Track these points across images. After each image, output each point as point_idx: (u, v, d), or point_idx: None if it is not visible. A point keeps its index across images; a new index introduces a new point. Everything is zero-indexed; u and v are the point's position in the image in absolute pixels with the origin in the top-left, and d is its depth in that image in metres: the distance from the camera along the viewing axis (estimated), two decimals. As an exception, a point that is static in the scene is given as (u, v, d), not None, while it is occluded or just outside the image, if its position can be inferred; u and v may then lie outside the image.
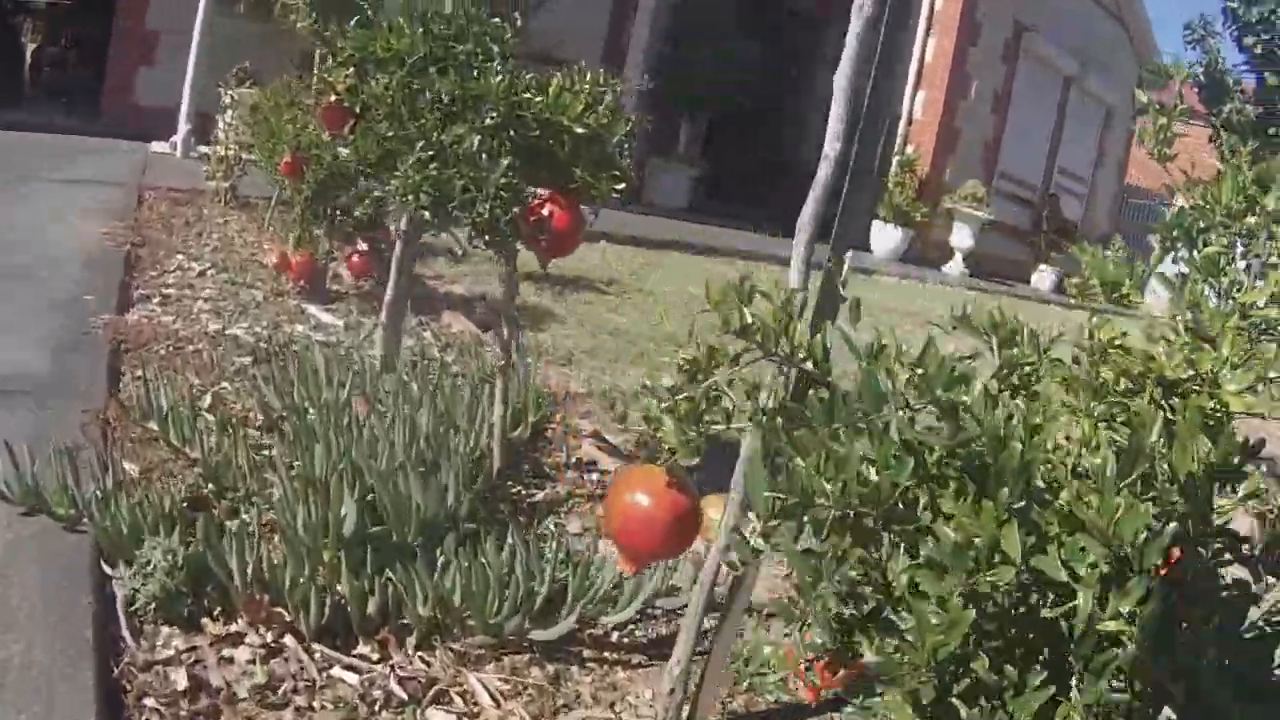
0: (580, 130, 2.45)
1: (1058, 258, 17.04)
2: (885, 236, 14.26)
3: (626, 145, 2.56)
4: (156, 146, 9.43)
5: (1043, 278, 17.13)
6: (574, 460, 3.20)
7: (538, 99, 2.45)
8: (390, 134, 2.58)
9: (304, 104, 4.98)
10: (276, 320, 4.27)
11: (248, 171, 6.70)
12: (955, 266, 15.08)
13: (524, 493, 2.92)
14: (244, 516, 2.28)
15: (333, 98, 3.14)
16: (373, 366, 3.35)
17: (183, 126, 9.35)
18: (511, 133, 2.46)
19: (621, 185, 2.58)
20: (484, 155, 2.40)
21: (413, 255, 3.53)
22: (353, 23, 2.96)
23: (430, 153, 2.45)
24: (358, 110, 2.91)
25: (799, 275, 1.67)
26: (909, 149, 15.11)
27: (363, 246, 4.62)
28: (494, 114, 2.42)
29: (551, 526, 2.67)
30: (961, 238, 15.12)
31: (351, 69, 2.86)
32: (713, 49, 14.03)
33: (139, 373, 3.21)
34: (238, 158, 6.82)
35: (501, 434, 2.80)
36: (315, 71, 5.24)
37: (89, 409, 2.90)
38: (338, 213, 4.57)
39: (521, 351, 3.44)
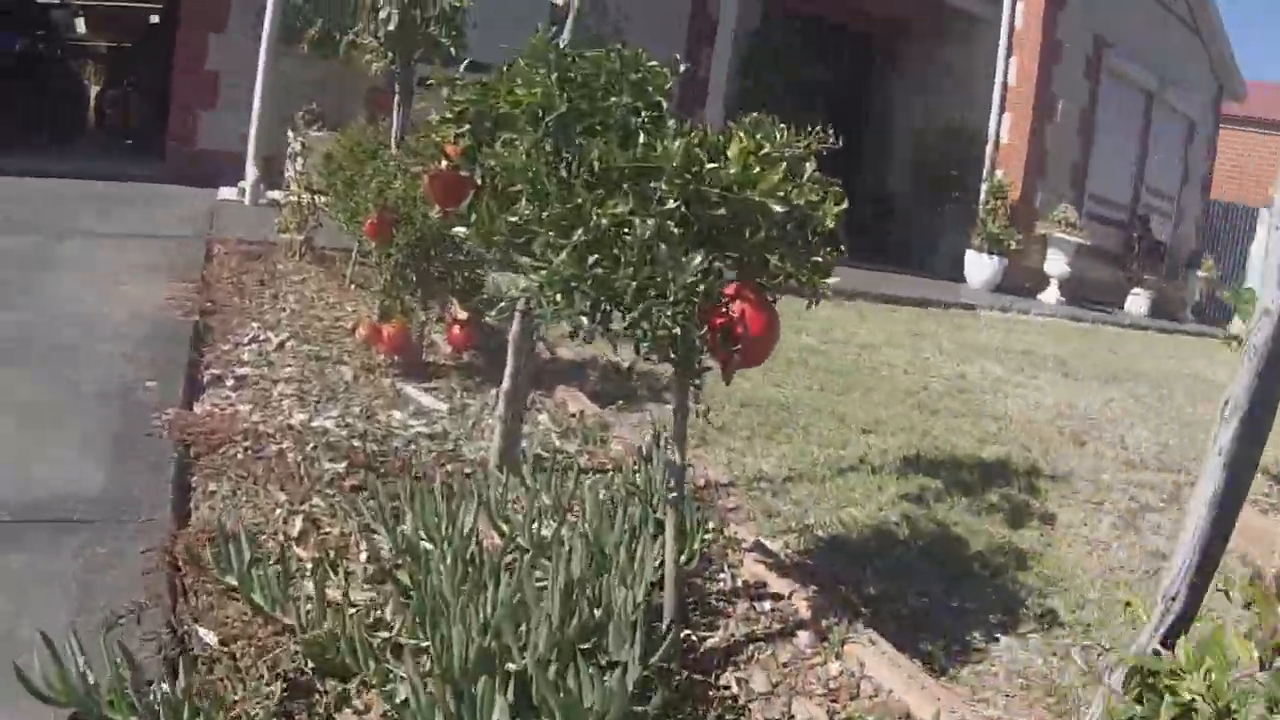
0: (779, 209, 1.93)
1: (1150, 280, 16.36)
2: (980, 266, 13.63)
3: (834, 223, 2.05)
4: (224, 193, 9.04)
5: (1137, 301, 16.41)
6: (740, 583, 2.69)
7: (722, 170, 1.93)
8: (529, 215, 2.06)
9: (386, 153, 4.52)
10: (370, 406, 3.75)
11: (322, 222, 6.26)
12: (1051, 294, 14.45)
13: (695, 638, 2.40)
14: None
15: (443, 164, 2.57)
16: (493, 473, 2.83)
17: (250, 171, 8.98)
18: (689, 211, 1.94)
19: (833, 279, 2.08)
20: (661, 245, 1.87)
21: (531, 334, 3.02)
22: (463, 66, 2.45)
23: (587, 238, 1.93)
24: (479, 181, 2.37)
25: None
26: (998, 174, 14.51)
27: (463, 314, 4.11)
28: (670, 190, 1.90)
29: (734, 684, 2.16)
30: (1057, 264, 14.49)
31: (466, 126, 2.34)
32: (787, 78, 13.51)
33: (212, 486, 2.73)
34: (311, 207, 6.37)
35: (675, 585, 2.27)
36: (396, 119, 4.79)
37: (151, 548, 2.40)
38: (434, 275, 4.06)
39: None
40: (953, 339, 8.43)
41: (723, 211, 1.95)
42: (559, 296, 1.95)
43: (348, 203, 4.31)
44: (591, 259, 1.93)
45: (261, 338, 4.49)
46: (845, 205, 2.06)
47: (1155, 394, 7.66)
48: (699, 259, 1.87)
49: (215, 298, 5.16)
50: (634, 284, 1.89)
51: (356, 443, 3.28)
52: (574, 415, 3.98)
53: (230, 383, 3.81)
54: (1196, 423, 6.59)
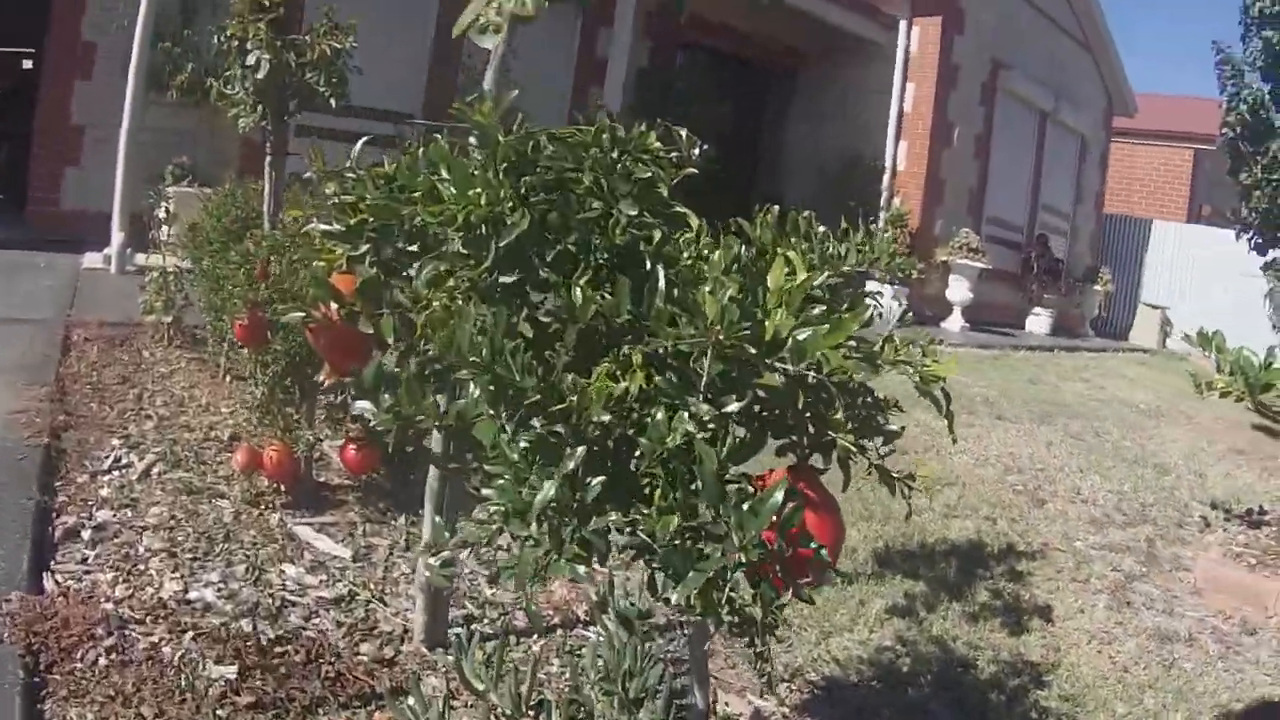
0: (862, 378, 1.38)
1: (1050, 299, 16.34)
2: (882, 298, 13.29)
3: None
4: (88, 260, 8.11)
5: (1039, 321, 16.36)
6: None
7: (776, 327, 1.37)
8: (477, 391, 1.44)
9: (257, 233, 3.87)
10: (258, 559, 3.06)
11: (191, 300, 5.51)
12: (955, 321, 14.26)
13: None
14: None
15: (333, 308, 1.89)
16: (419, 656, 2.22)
17: (115, 236, 8.10)
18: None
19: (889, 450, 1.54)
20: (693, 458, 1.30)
21: (458, 478, 2.40)
22: (358, 147, 1.84)
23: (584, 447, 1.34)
24: (380, 334, 1.72)
25: None
26: (896, 202, 14.29)
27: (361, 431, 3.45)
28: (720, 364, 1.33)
29: None
30: (959, 291, 14.30)
31: (364, 246, 1.69)
32: (678, 115, 13.05)
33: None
34: (178, 284, 5.63)
35: None
36: (267, 185, 4.12)
37: None
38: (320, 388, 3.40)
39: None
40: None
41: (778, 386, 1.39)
42: (538, 540, 1.35)
43: (213, 296, 3.63)
44: (593, 482, 1.33)
45: (124, 462, 3.75)
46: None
47: (1089, 429, 7.50)
48: (775, 497, 1.29)
49: (72, 406, 4.37)
50: (673, 523, 1.30)
51: (246, 623, 2.61)
52: (505, 549, 3.36)
53: (87, 535, 3.08)
54: (1139, 460, 6.49)
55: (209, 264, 3.93)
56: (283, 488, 3.51)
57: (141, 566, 2.92)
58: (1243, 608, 3.86)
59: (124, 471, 3.67)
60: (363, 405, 1.99)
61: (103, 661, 2.37)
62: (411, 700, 1.84)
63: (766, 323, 1.36)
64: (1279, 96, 7.42)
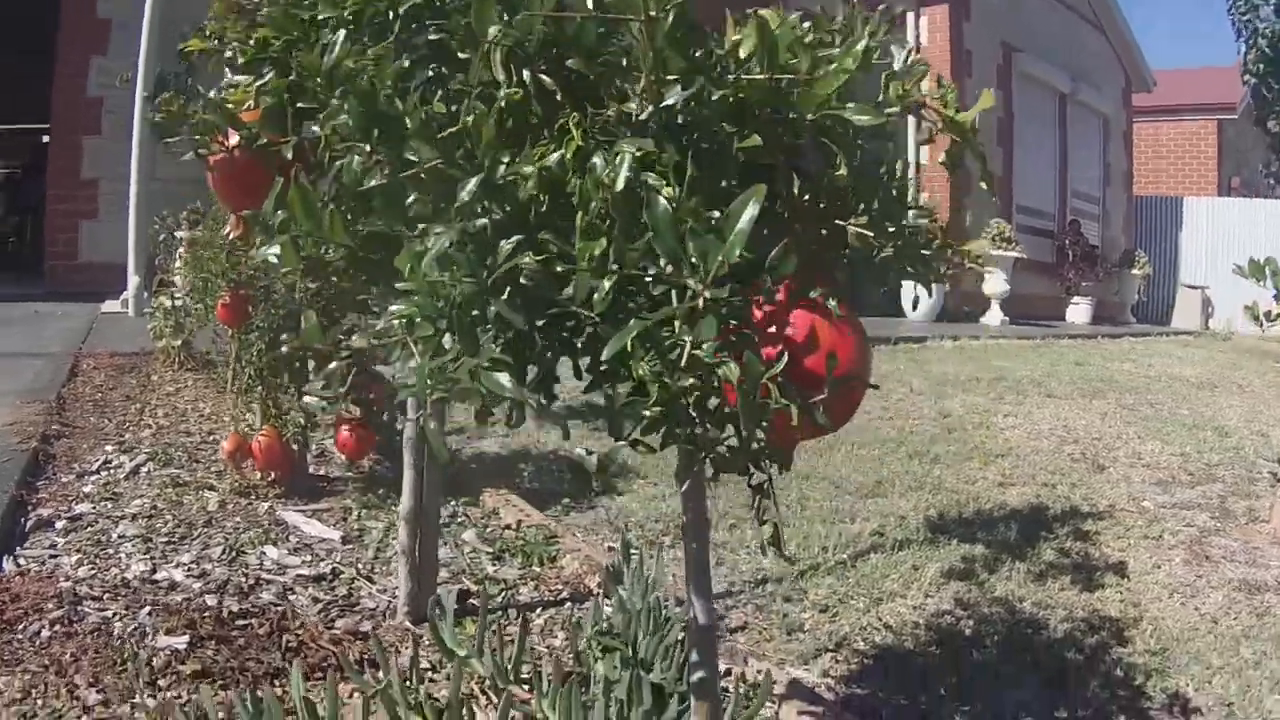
0: (867, 120, 1.07)
1: (1088, 287, 15.91)
2: (919, 296, 12.92)
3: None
4: (107, 306, 8.23)
5: (1079, 310, 15.93)
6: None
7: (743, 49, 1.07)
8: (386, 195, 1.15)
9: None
10: (238, 543, 2.79)
11: (205, 323, 5.32)
12: (994, 315, 13.86)
13: None
14: None
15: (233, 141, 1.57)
16: (400, 631, 1.93)
17: (131, 280, 8.08)
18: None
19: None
20: (660, 197, 1.00)
21: (439, 429, 2.11)
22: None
23: (496, 208, 1.05)
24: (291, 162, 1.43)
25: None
26: (923, 197, 13.94)
27: (354, 411, 3.17)
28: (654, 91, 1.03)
29: None
30: (996, 283, 13.88)
31: (268, 73, 1.42)
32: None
33: (-1, 685, 1.82)
34: (187, 309, 5.43)
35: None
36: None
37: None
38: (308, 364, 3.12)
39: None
40: (917, 374, 7.68)
41: (756, 139, 1.08)
42: (447, 337, 1.05)
43: (195, 280, 3.38)
44: (527, 261, 1.03)
45: (114, 463, 3.54)
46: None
47: (1142, 401, 7.15)
48: (748, 211, 0.97)
49: (70, 419, 4.23)
50: (606, 288, 1.00)
51: (211, 599, 2.34)
52: (509, 526, 3.06)
53: (60, 525, 2.86)
54: (1197, 424, 6.18)
55: (195, 253, 3.68)
56: (276, 478, 3.23)
57: (111, 550, 2.70)
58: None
59: (112, 471, 3.47)
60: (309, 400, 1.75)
61: (45, 633, 2.15)
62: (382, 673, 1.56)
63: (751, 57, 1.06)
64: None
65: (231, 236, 1.49)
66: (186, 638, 2.09)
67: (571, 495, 3.49)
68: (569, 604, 2.53)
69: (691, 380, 0.99)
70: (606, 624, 1.81)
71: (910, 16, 14.25)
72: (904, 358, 8.96)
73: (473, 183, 1.02)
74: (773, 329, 1.12)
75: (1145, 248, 18.57)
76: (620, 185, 0.98)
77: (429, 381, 1.03)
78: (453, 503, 3.25)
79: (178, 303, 5.38)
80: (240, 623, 2.19)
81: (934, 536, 3.45)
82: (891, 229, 1.25)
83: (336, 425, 3.29)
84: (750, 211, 0.97)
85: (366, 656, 2.01)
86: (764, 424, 1.07)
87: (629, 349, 0.98)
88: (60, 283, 9.04)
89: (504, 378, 1.01)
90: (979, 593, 2.99)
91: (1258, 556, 3.59)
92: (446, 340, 1.05)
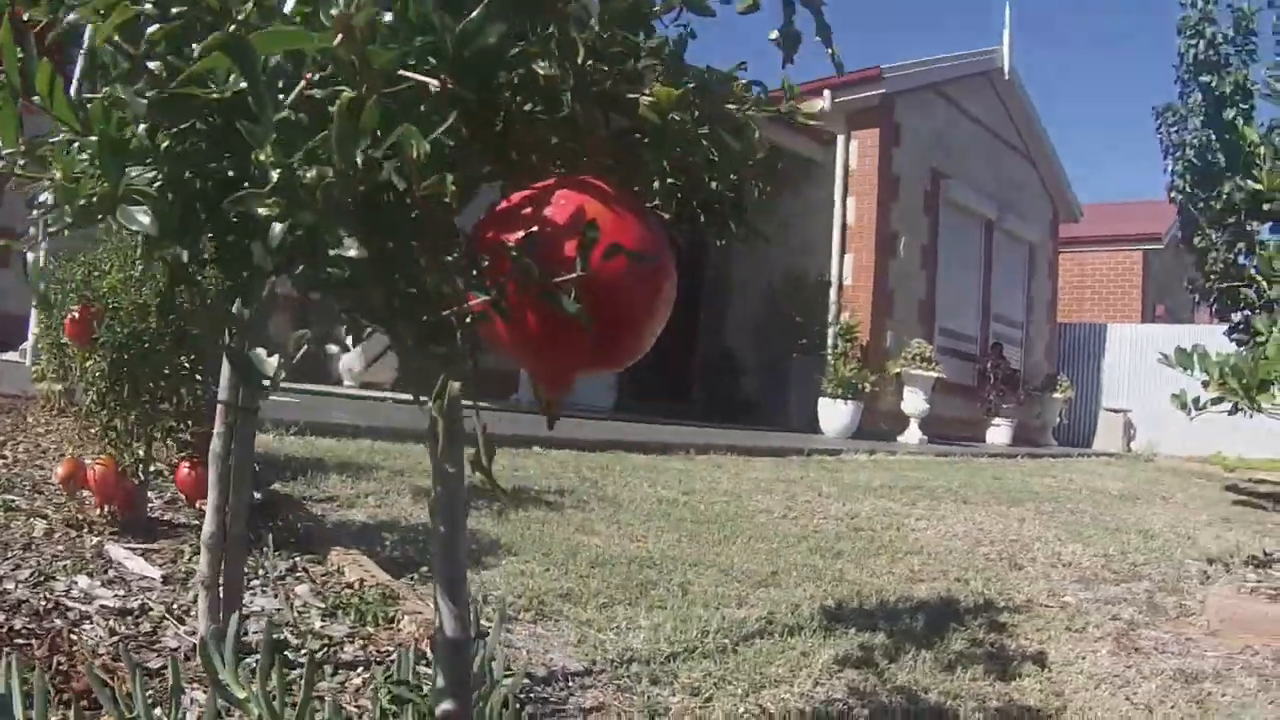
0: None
1: (1009, 409, 16.03)
2: (835, 413, 12.86)
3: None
4: (5, 355, 8.00)
5: (999, 432, 16.04)
6: None
7: None
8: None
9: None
10: (51, 569, 2.44)
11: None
12: (913, 434, 13.83)
13: None
14: None
15: None
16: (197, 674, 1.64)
17: (33, 330, 7.76)
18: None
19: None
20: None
21: (248, 441, 1.85)
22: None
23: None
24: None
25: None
26: (844, 316, 13.98)
27: (198, 454, 2.89)
28: None
29: None
30: (915, 402, 13.89)
31: None
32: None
33: None
34: (71, 354, 5.12)
35: None
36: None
37: None
38: (152, 391, 2.83)
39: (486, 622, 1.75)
40: (828, 481, 7.50)
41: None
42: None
43: (49, 295, 3.07)
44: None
45: (-45, 487, 3.22)
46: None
47: (1062, 509, 7.03)
48: None
49: None
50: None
51: (-1, 616, 2.03)
52: (350, 585, 2.75)
53: None
54: (1120, 529, 6.04)
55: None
56: (114, 514, 2.91)
57: None
58: (1272, 642, 3.33)
59: (-49, 494, 3.12)
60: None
61: None
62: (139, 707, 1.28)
63: None
64: (1223, 140, 7.30)
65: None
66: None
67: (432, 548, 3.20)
68: (386, 664, 2.25)
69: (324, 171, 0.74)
70: (413, 678, 1.54)
71: (840, 139, 14.47)
72: (816, 467, 8.80)
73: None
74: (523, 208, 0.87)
75: (1068, 372, 18.93)
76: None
77: (61, 196, 0.81)
78: (295, 557, 2.94)
79: (65, 343, 5.08)
80: (19, 641, 1.88)
81: (830, 625, 3.20)
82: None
83: (177, 464, 3.00)
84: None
85: (152, 693, 1.72)
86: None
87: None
88: None
89: (141, 213, 0.79)
90: (877, 681, 2.73)
91: (1191, 648, 3.39)
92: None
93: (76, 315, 2.82)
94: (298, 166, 0.73)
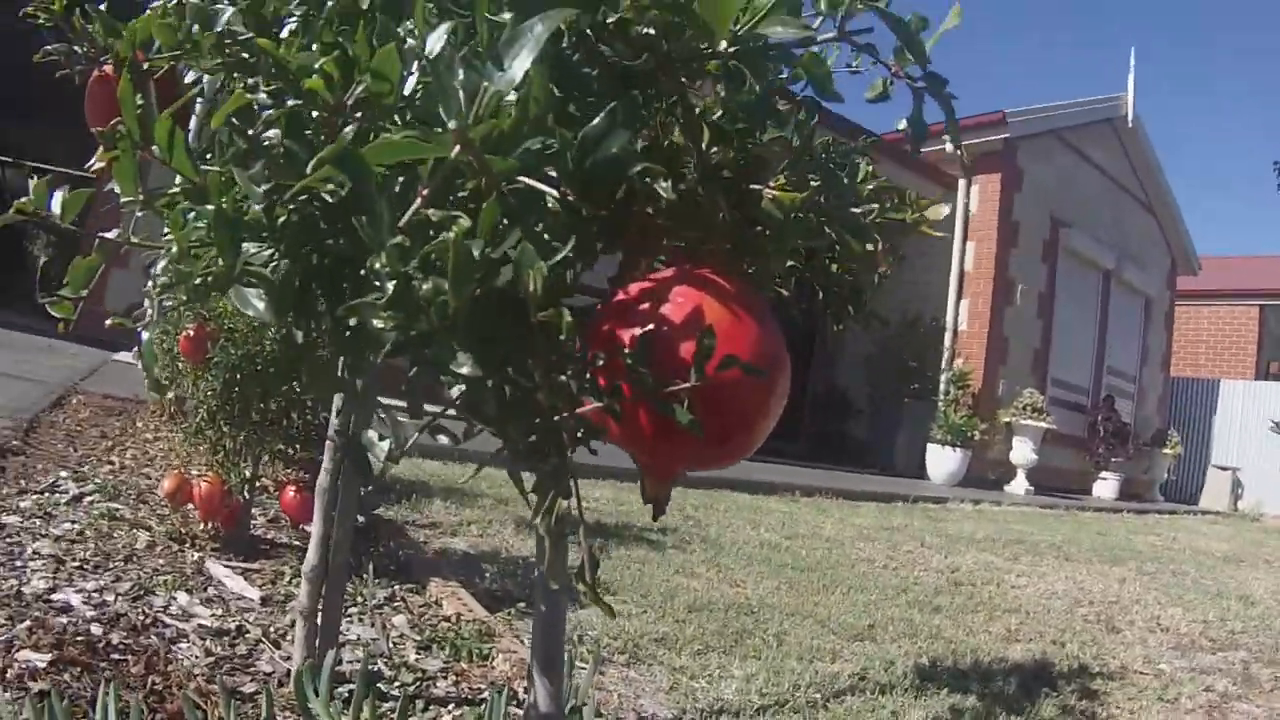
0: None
1: (1117, 463, 15.59)
2: (943, 459, 12.67)
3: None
4: (120, 355, 8.22)
5: (1106, 486, 15.60)
6: None
7: None
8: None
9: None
10: (151, 583, 2.52)
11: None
12: (1019, 484, 13.56)
13: None
14: None
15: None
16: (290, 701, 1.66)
17: (146, 333, 7.98)
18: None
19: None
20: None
21: (356, 478, 1.88)
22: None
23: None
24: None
25: None
26: (958, 363, 13.78)
27: (306, 474, 2.96)
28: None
29: None
30: (1023, 453, 13.62)
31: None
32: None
33: None
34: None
35: None
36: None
37: None
38: (264, 413, 2.89)
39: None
40: (931, 531, 7.40)
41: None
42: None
43: (169, 313, 3.17)
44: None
45: (61, 488, 3.35)
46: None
47: (1165, 570, 6.86)
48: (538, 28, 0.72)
49: (36, 441, 4.09)
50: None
51: (97, 629, 2.08)
52: (447, 619, 2.77)
53: None
54: (1223, 593, 5.90)
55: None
56: (216, 530, 2.98)
57: (19, 564, 2.46)
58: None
59: (56, 494, 3.27)
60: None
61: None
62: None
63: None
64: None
65: (95, 167, 1.29)
66: (49, 657, 1.84)
67: (529, 600, 3.22)
68: (483, 706, 2.26)
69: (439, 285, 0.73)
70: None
71: (961, 183, 14.31)
72: (920, 515, 8.71)
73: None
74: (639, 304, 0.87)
75: (1178, 427, 18.40)
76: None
77: (175, 276, 0.83)
78: (394, 586, 2.99)
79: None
80: (115, 656, 1.94)
81: (922, 685, 3.14)
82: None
83: (282, 486, 3.06)
84: (541, 29, 0.72)
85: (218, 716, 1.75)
86: (619, 416, 0.81)
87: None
88: (83, 325, 8.95)
89: (256, 296, 0.80)
90: (966, 747, 2.68)
91: (1285, 724, 3.28)
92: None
93: (192, 333, 2.90)
94: (413, 275, 0.73)
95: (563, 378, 0.81)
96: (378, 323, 0.74)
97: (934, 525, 7.85)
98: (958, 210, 14.24)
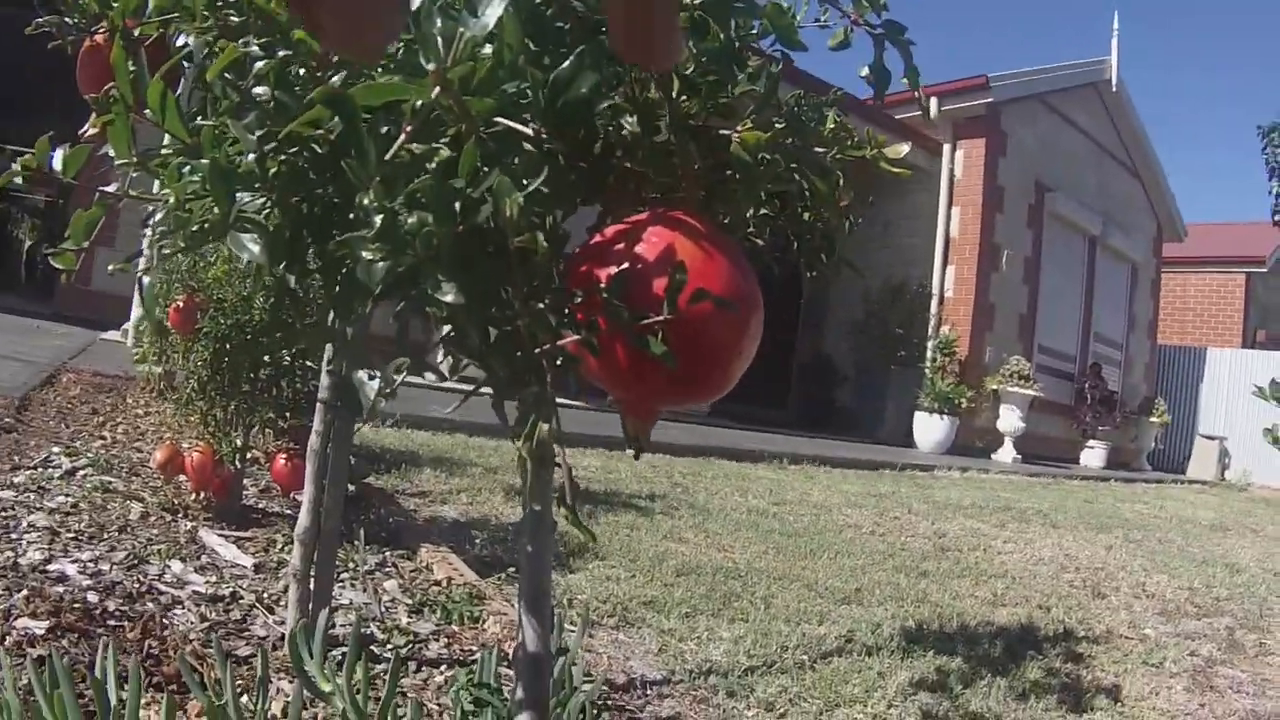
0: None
1: (1105, 431, 15.68)
2: (930, 428, 12.75)
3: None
4: (108, 334, 8.28)
5: (1093, 454, 15.70)
6: None
7: None
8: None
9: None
10: (145, 552, 2.55)
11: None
12: (1007, 452, 13.65)
13: None
14: None
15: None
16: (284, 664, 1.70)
17: (135, 311, 7.96)
18: None
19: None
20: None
21: (346, 438, 1.91)
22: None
23: None
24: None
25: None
26: (944, 329, 13.82)
27: (295, 444, 2.97)
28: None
29: None
30: (1011, 420, 13.70)
31: None
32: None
33: None
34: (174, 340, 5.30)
35: None
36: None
37: None
38: (253, 382, 2.91)
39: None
40: (919, 498, 7.45)
41: None
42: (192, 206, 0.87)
43: (157, 285, 3.19)
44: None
45: (54, 462, 3.37)
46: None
47: (1151, 538, 6.94)
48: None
49: (27, 419, 4.13)
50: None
51: (93, 596, 2.11)
52: (438, 583, 2.81)
53: None
54: (1209, 561, 5.97)
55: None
56: (208, 500, 3.01)
57: (15, 536, 2.49)
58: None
59: (49, 469, 3.30)
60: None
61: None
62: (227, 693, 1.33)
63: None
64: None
65: (88, 133, 1.30)
66: (46, 624, 1.87)
67: (519, 566, 3.25)
68: (471, 666, 2.30)
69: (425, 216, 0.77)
70: (495, 681, 1.58)
71: (946, 148, 14.33)
72: (908, 482, 8.77)
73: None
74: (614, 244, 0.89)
75: (1165, 396, 18.51)
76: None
77: (174, 223, 0.85)
78: (385, 552, 3.02)
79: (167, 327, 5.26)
80: (111, 623, 1.97)
81: (909, 647, 3.18)
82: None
83: (273, 455, 3.09)
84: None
85: (240, 682, 1.78)
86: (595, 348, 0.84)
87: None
88: (70, 306, 9.21)
89: (251, 240, 0.83)
90: (950, 706, 2.71)
91: (1268, 688, 3.32)
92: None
93: (181, 304, 2.92)
94: (399, 210, 0.76)
95: (540, 305, 0.84)
96: (367, 254, 0.76)
97: (921, 492, 7.90)
98: (942, 175, 14.27)
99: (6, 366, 5.35)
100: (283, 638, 2.06)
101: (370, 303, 0.87)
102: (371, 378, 0.88)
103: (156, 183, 1.04)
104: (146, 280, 1.07)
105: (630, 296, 0.82)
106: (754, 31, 1.02)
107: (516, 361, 0.86)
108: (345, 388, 0.90)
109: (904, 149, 1.06)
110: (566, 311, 0.84)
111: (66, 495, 2.96)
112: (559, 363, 0.85)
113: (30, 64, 9.39)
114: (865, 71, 0.98)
